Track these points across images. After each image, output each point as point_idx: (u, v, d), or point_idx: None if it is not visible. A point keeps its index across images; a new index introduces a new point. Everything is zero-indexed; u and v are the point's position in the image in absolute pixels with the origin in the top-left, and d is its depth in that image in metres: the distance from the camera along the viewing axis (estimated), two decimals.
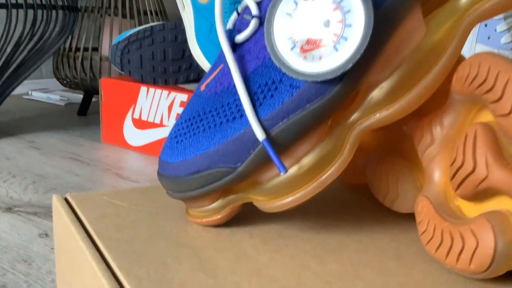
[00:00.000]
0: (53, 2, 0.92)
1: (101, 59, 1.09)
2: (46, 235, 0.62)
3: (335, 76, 0.28)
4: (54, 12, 0.91)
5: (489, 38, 0.62)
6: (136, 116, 0.96)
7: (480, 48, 0.62)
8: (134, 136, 0.97)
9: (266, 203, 0.32)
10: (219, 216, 0.33)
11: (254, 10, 0.32)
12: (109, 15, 1.10)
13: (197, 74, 0.96)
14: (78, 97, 1.42)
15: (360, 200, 0.40)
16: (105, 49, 1.12)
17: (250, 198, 0.32)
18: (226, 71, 0.32)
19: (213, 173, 0.31)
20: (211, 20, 0.86)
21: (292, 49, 0.30)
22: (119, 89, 0.99)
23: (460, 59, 0.33)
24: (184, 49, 0.96)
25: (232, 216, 0.33)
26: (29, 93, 1.39)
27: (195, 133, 0.32)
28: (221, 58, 0.34)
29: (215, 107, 0.32)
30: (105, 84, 0.99)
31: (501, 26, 0.61)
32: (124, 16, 1.09)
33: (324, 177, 0.30)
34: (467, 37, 0.30)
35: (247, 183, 0.32)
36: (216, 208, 0.33)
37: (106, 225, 0.33)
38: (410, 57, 0.30)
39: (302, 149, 0.30)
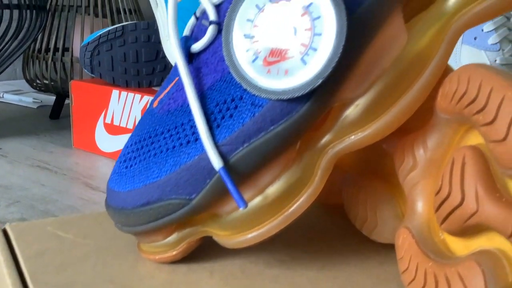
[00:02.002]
0: (17, 2, 0.87)
1: (72, 61, 1.04)
2: None
3: (302, 94, 0.24)
4: (18, 12, 0.86)
5: (475, 38, 0.58)
6: (108, 120, 0.92)
7: (466, 49, 0.59)
8: (106, 141, 0.93)
9: (227, 239, 0.28)
10: (174, 252, 0.28)
11: (211, 15, 0.28)
12: (81, 14, 1.05)
13: None
14: (51, 99, 1.37)
15: (337, 224, 0.36)
16: (76, 50, 1.07)
17: (209, 232, 0.28)
18: (181, 86, 0.28)
19: (165, 206, 0.27)
20: (186, 19, 0.81)
21: (253, 61, 0.26)
22: (90, 92, 0.94)
23: (447, 70, 0.29)
24: (158, 50, 0.91)
25: (189, 251, 0.29)
26: (1, 95, 1.33)
27: (146, 158, 0.28)
28: (176, 70, 0.29)
29: (167, 128, 0.27)
30: (75, 87, 0.94)
31: (488, 26, 0.58)
32: (96, 15, 1.04)
33: (292, 209, 0.27)
34: (455, 45, 0.27)
35: (205, 215, 0.28)
36: (171, 243, 0.28)
37: (44, 264, 0.28)
38: (390, 70, 0.26)
39: (267, 178, 0.26)
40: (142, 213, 0.27)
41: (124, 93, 0.86)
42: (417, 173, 0.28)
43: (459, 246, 0.25)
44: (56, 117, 1.18)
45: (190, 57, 0.28)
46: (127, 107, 0.86)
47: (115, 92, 0.87)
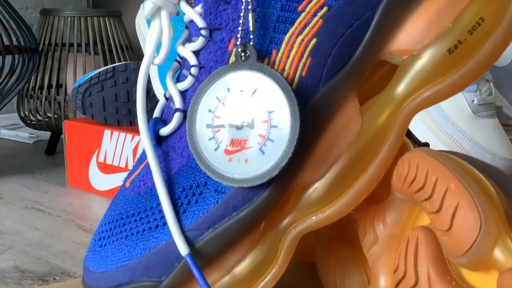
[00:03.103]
0: (8, 43, 0.88)
1: (65, 99, 1.06)
2: None
3: (261, 183, 0.26)
4: (10, 57, 0.88)
5: None
6: (101, 159, 0.94)
7: None
8: (99, 180, 0.94)
9: None
10: None
11: (177, 102, 0.29)
12: (73, 52, 1.07)
13: None
14: (47, 133, 1.38)
15: (310, 282, 0.37)
16: (69, 88, 1.09)
17: None
18: (151, 169, 0.30)
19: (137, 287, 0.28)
20: (174, 60, 0.83)
21: (216, 149, 0.27)
22: (83, 132, 0.96)
23: (404, 147, 0.30)
24: (148, 89, 0.93)
25: None
26: None
27: (118, 239, 0.29)
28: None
29: (138, 210, 0.29)
30: (68, 126, 0.96)
31: None
32: (89, 53, 1.06)
33: None
34: (407, 128, 0.28)
35: None
36: None
37: None
38: (346, 154, 0.27)
39: (233, 259, 0.28)
40: None
41: (116, 133, 0.88)
42: (379, 247, 0.29)
43: None
44: (52, 153, 1.20)
45: (159, 140, 0.30)
46: (119, 146, 0.87)
47: (107, 132, 0.89)
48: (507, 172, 0.59)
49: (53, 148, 1.15)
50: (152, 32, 0.30)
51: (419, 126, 0.63)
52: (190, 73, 0.29)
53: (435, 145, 0.61)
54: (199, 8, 0.28)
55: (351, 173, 0.27)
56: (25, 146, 1.26)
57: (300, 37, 0.27)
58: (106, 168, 0.90)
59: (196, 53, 0.29)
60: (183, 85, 0.29)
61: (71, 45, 1.03)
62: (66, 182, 1.01)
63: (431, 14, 0.27)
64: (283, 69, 0.27)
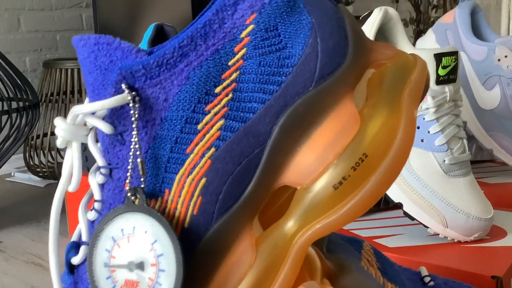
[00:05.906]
0: (7, 104, 0.91)
1: None
2: None
3: None
4: (7, 117, 0.90)
5: (422, 140, 0.59)
6: None
7: (415, 151, 0.59)
8: None
9: None
10: None
11: (84, 235, 0.30)
12: (70, 102, 1.10)
13: None
14: None
15: None
16: None
17: None
18: None
19: None
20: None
21: None
22: (82, 182, 0.98)
23: (310, 273, 0.30)
24: None
25: None
26: (12, 174, 1.39)
27: None
28: None
29: None
30: None
31: (434, 127, 0.59)
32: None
33: None
34: (303, 258, 0.28)
35: None
36: None
37: None
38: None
39: None
40: None
41: None
42: None
43: None
44: None
45: (72, 268, 0.31)
46: None
47: None
48: (484, 232, 0.58)
49: None
50: (66, 161, 0.31)
51: (392, 187, 0.62)
52: (94, 207, 0.29)
53: (408, 206, 0.61)
54: (100, 145, 0.29)
55: None
56: (37, 190, 1.29)
57: (190, 177, 0.27)
58: None
59: (101, 186, 0.30)
60: (91, 215, 0.30)
61: (72, 92, 1.06)
62: (68, 232, 1.03)
63: (318, 150, 0.27)
64: (176, 208, 0.27)
